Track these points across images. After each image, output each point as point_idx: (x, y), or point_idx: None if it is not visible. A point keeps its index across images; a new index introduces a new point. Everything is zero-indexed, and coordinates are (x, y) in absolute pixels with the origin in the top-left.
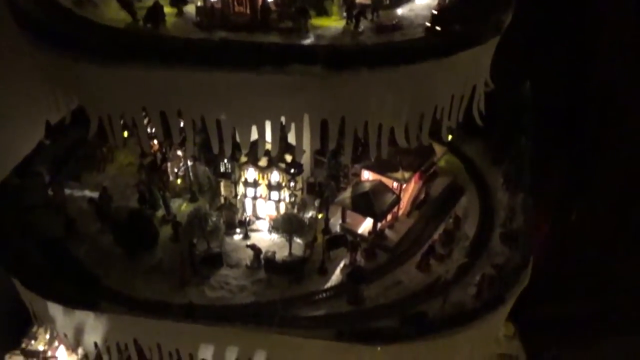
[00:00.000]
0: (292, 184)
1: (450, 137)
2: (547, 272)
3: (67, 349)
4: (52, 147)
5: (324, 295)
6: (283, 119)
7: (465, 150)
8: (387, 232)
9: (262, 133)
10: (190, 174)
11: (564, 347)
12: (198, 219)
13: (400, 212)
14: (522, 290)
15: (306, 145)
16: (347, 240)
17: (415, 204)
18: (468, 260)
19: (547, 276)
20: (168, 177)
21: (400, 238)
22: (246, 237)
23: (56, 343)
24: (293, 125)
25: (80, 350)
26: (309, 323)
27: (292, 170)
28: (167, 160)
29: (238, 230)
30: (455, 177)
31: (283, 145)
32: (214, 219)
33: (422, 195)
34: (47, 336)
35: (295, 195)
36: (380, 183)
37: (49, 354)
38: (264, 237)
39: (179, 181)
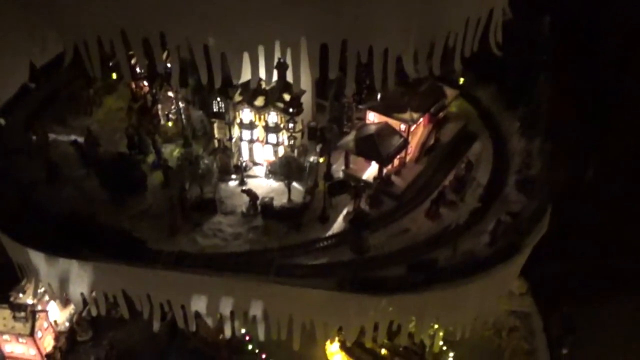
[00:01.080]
0: (291, 125)
1: (462, 79)
2: (560, 228)
3: (56, 301)
4: (36, 90)
5: (325, 243)
6: (277, 43)
7: (478, 96)
8: (394, 178)
9: (255, 65)
10: (183, 117)
11: (576, 305)
12: (189, 162)
13: (408, 157)
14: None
15: (305, 84)
16: (350, 186)
17: (424, 150)
18: (481, 204)
19: (560, 232)
20: (159, 120)
21: (407, 185)
22: (242, 183)
23: (47, 297)
24: (289, 56)
25: (71, 306)
26: (309, 272)
27: (291, 110)
28: (157, 102)
29: (234, 176)
30: (467, 122)
31: (281, 84)
32: (206, 161)
33: (432, 141)
34: (36, 290)
35: (295, 138)
36: (387, 125)
37: (39, 307)
38: (262, 184)
39: (170, 124)
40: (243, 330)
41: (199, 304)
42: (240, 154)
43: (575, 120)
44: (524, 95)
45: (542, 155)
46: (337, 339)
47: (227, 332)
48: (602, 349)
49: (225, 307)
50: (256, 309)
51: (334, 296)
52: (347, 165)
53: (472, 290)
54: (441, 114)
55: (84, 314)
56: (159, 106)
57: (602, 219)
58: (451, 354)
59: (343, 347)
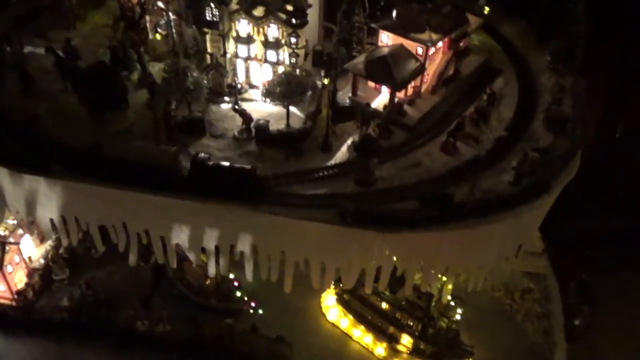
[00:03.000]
0: (293, 40)
1: (487, 9)
2: (585, 183)
3: (32, 235)
4: (18, 2)
5: (327, 172)
6: None
7: (505, 31)
8: (407, 108)
9: None
10: (174, 32)
11: (596, 271)
12: (176, 73)
13: (424, 87)
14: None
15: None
16: (356, 113)
17: (442, 81)
18: (507, 134)
19: (585, 187)
20: (147, 35)
21: (422, 116)
22: (236, 105)
23: (20, 231)
24: None
25: (47, 242)
26: (306, 202)
27: (294, 21)
28: (146, 13)
29: (227, 98)
30: (490, 57)
31: None
32: (195, 74)
33: (451, 71)
34: (9, 221)
35: (297, 56)
36: (402, 47)
37: (11, 239)
38: (259, 108)
39: (158, 37)
40: (231, 276)
41: (180, 236)
42: (235, 74)
43: (613, 59)
44: (556, 27)
45: (575, 92)
46: (333, 290)
47: (211, 271)
48: (620, 322)
49: (210, 239)
50: (244, 244)
51: (333, 230)
52: (354, 91)
53: (491, 232)
54: (462, 44)
55: (60, 250)
56: (147, 18)
57: (632, 176)
58: (459, 311)
59: (340, 299)
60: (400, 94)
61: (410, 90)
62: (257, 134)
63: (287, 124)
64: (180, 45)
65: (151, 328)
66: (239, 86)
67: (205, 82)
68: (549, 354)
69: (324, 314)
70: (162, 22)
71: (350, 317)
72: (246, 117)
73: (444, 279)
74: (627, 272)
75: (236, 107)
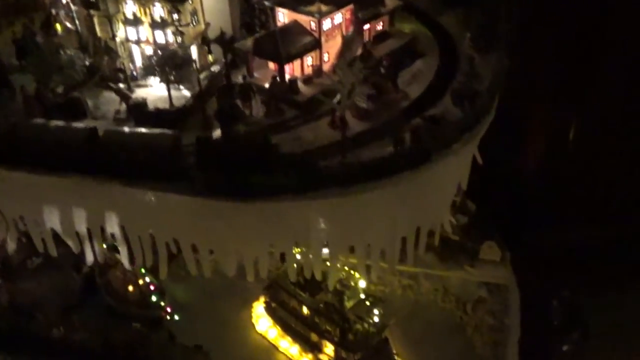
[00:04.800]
0: (175, 16)
1: None
2: (559, 190)
3: None
4: None
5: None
6: None
7: (442, 20)
8: (303, 86)
9: None
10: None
11: (580, 287)
12: (49, 49)
13: (326, 65)
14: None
15: None
16: (244, 90)
17: (349, 61)
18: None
19: (560, 194)
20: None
21: (316, 94)
22: (124, 90)
23: None
24: None
25: None
26: (161, 174)
27: None
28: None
29: (122, 85)
30: (414, 41)
31: None
32: (69, 52)
33: (359, 52)
34: None
35: (182, 34)
36: (296, 23)
37: None
38: (153, 92)
39: (58, 27)
40: (147, 280)
41: (51, 219)
42: (132, 60)
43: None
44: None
45: (495, 69)
46: (262, 299)
47: (89, 258)
48: (615, 348)
49: (80, 221)
50: (112, 225)
51: (192, 204)
52: (249, 71)
53: (366, 202)
54: (380, 27)
55: None
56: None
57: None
58: (376, 311)
59: (268, 308)
60: (297, 72)
61: (308, 69)
62: (135, 112)
63: (170, 102)
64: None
65: (66, 336)
66: (132, 72)
67: (84, 62)
68: None
69: (253, 325)
70: (62, 12)
71: (279, 327)
72: (122, 95)
73: (356, 275)
74: (620, 293)
75: (111, 84)
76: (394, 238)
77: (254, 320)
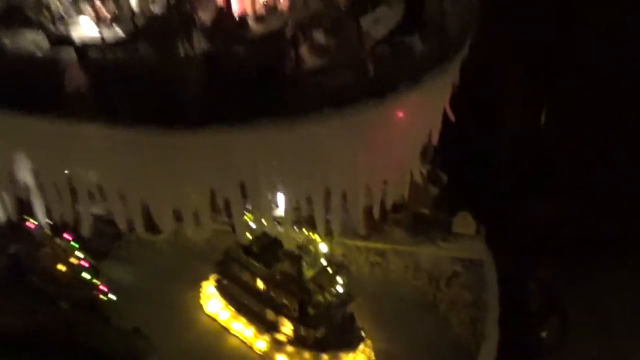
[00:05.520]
0: None
1: None
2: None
3: None
4: None
5: None
6: None
7: None
8: (254, 24)
9: None
10: None
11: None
12: None
13: (281, 4)
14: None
15: None
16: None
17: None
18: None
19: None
20: None
21: (267, 32)
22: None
23: None
24: None
25: None
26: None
27: None
28: None
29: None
30: None
31: None
32: None
33: None
34: None
35: None
36: None
37: None
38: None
39: None
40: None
41: None
42: None
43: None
44: None
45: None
46: (212, 278)
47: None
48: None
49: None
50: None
51: (111, 138)
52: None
53: (326, 133)
54: None
55: None
56: None
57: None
58: (339, 279)
59: (219, 286)
60: (248, 9)
61: (259, 6)
62: None
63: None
64: None
65: None
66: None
67: None
68: (474, 347)
69: (202, 306)
70: None
71: (232, 308)
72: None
73: (317, 238)
74: (604, 273)
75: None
76: (356, 182)
77: (202, 302)
